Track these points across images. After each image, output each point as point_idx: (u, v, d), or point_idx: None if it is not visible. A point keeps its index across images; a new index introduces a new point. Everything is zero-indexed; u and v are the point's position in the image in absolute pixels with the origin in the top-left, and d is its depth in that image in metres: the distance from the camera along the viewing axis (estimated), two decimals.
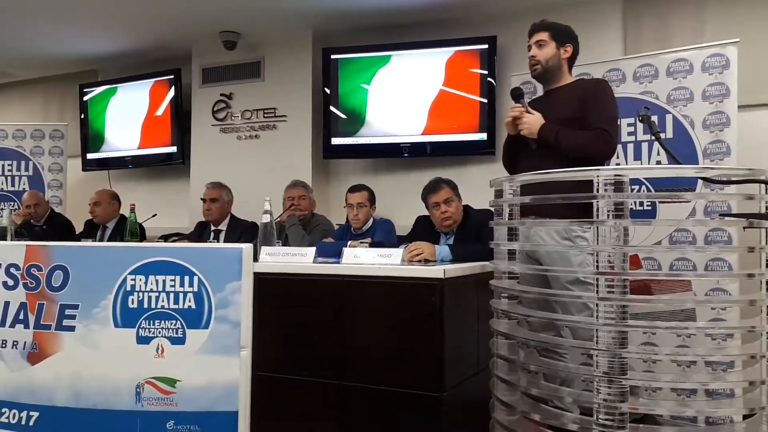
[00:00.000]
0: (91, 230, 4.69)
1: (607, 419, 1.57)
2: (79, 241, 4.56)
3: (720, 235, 3.11)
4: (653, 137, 2.54)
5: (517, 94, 2.70)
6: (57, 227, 4.84)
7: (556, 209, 2.09)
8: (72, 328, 2.13)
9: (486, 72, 4.28)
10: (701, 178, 2.73)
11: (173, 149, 5.30)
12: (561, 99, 2.66)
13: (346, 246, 2.89)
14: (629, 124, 3.38)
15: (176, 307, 2.08)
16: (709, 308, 2.96)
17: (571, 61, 2.76)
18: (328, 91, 4.67)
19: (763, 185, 1.74)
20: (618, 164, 3.31)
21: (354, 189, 3.79)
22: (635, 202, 3.17)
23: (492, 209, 2.12)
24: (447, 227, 3.25)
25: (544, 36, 2.70)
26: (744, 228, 1.76)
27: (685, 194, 2.74)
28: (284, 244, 3.47)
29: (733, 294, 2.99)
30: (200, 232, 4.31)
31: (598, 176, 1.63)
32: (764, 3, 3.64)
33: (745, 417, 1.85)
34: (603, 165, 2.58)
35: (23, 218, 4.70)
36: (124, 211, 4.65)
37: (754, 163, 2.17)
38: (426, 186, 3.34)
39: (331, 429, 2.41)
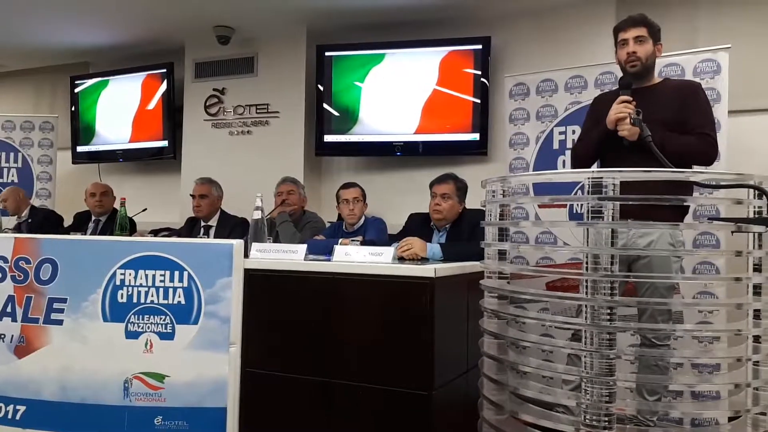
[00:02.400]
0: (81, 223, 4.66)
1: (594, 420, 1.59)
2: (68, 233, 4.53)
3: (708, 239, 3.14)
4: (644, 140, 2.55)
5: (625, 84, 2.56)
6: (41, 222, 4.74)
7: (657, 211, 2.04)
8: (60, 322, 2.12)
9: (479, 72, 4.29)
10: (690, 182, 2.76)
11: (164, 143, 5.28)
12: (658, 99, 2.56)
13: (337, 244, 2.89)
14: None
15: (166, 302, 2.08)
16: (696, 311, 2.99)
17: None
18: (321, 88, 4.66)
19: (751, 190, 1.76)
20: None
21: (347, 185, 3.80)
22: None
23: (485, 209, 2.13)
24: (435, 220, 3.28)
25: (643, 32, 2.60)
26: (732, 232, 1.77)
27: (674, 198, 2.76)
28: (275, 241, 3.46)
29: (720, 297, 3.02)
30: (190, 228, 4.29)
31: (587, 178, 1.64)
32: (755, 10, 3.67)
33: (730, 419, 1.87)
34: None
35: None
36: (115, 204, 4.64)
37: (743, 168, 2.18)
38: (439, 175, 3.36)
39: (319, 426, 2.41)
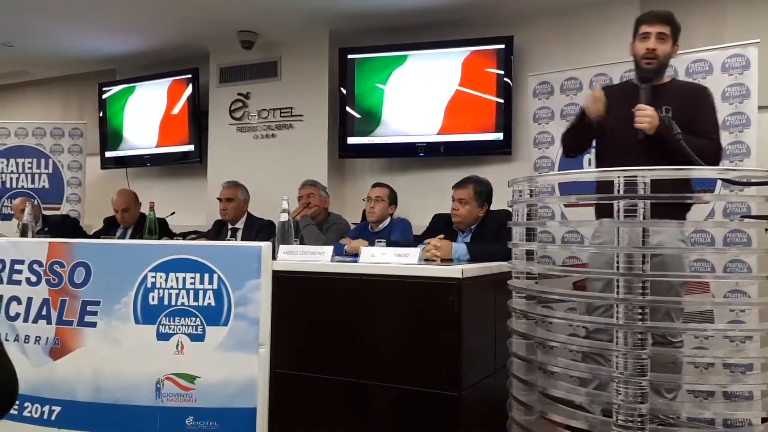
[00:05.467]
0: (110, 228, 4.73)
1: (626, 420, 1.57)
2: (90, 236, 4.59)
3: (739, 237, 3.08)
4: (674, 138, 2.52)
5: (647, 79, 2.55)
6: (58, 229, 4.73)
7: (660, 210, 2.04)
8: (93, 324, 2.16)
9: (502, 72, 4.27)
10: (721, 179, 2.72)
11: (190, 148, 5.35)
12: (665, 99, 2.52)
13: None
14: None
15: (196, 304, 2.11)
16: (728, 310, 2.94)
17: None
18: (344, 90, 4.68)
19: None
20: None
21: (377, 185, 3.86)
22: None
23: (510, 209, 2.12)
24: (455, 223, 3.28)
25: (666, 30, 2.54)
26: (765, 230, 1.75)
27: (705, 195, 2.73)
28: (301, 244, 3.49)
29: (752, 296, 2.96)
30: (218, 230, 4.34)
31: (619, 177, 1.63)
32: None
33: (763, 420, 1.84)
34: None
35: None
36: (143, 209, 4.69)
37: None
38: (461, 179, 3.35)
39: (348, 427, 2.43)
